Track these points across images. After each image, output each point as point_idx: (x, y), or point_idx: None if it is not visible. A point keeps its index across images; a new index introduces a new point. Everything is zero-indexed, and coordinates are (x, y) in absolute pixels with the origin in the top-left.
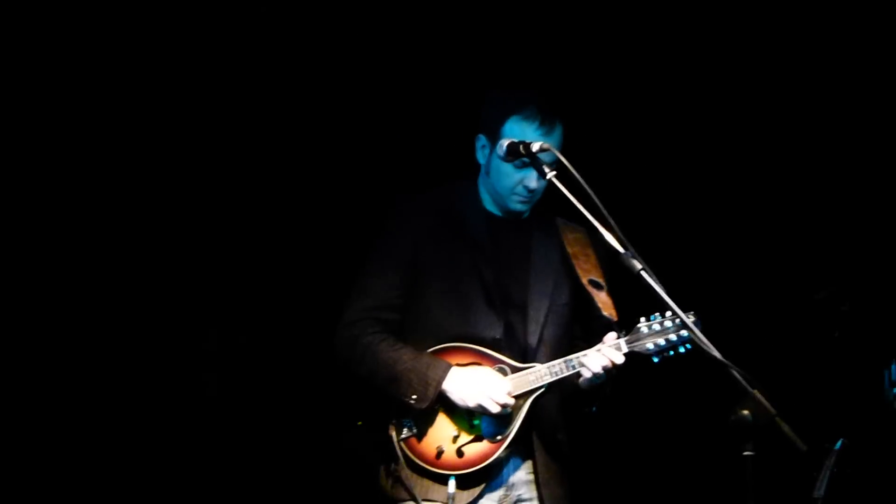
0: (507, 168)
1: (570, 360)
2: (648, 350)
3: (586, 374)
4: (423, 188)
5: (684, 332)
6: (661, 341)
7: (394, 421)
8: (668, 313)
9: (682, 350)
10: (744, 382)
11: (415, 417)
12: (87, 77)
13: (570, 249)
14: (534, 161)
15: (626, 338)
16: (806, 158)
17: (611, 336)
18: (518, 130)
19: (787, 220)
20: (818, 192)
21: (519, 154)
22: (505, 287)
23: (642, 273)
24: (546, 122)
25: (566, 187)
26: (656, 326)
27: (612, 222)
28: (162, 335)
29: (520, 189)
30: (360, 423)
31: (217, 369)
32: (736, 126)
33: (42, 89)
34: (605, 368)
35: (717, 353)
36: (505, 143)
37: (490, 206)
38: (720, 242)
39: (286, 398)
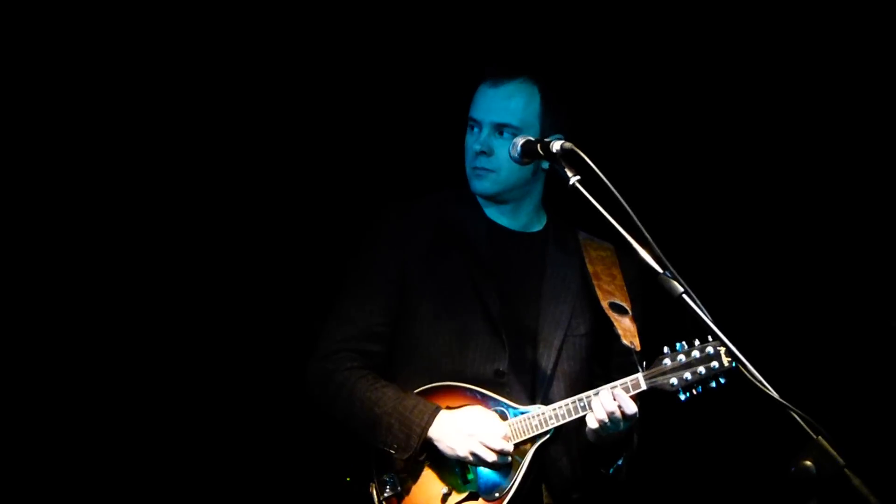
0: (466, 140)
1: (580, 399)
2: (673, 386)
3: (591, 422)
4: (417, 195)
5: (715, 364)
6: (688, 375)
7: (375, 478)
8: (697, 342)
9: (713, 385)
10: (806, 427)
11: (398, 472)
12: (87, 77)
13: (591, 268)
14: (554, 163)
15: (645, 372)
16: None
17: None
18: (476, 95)
19: (860, 237)
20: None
21: (536, 155)
22: (512, 313)
23: (684, 297)
24: (493, 75)
25: (593, 195)
26: (682, 357)
27: (649, 237)
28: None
29: (470, 159)
30: (348, 479)
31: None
32: (791, 144)
33: (42, 89)
34: (612, 417)
35: (773, 392)
36: (520, 141)
37: (495, 215)
38: (782, 261)
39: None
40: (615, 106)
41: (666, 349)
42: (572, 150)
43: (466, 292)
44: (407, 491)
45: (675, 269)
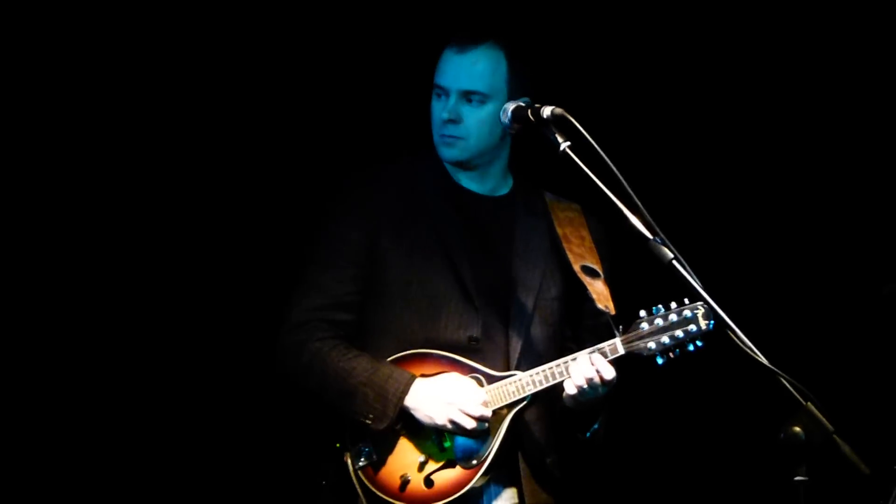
0: (432, 107)
1: (557, 365)
2: (651, 350)
3: (569, 388)
4: (382, 160)
5: (693, 327)
6: (665, 339)
7: (349, 447)
8: (674, 304)
9: (690, 348)
10: (795, 393)
11: (374, 442)
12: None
13: (560, 230)
14: (544, 128)
15: (622, 336)
16: (872, 141)
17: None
18: (441, 61)
19: (850, 202)
20: (885, 175)
21: (527, 121)
22: (484, 278)
23: (674, 263)
24: (458, 42)
25: (582, 160)
26: (659, 321)
27: (639, 203)
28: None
29: (438, 126)
30: (338, 444)
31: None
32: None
33: (42, 89)
34: (590, 383)
35: (762, 358)
36: (510, 107)
37: (463, 179)
38: (767, 225)
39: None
40: (585, 70)
41: (643, 313)
42: (563, 115)
43: (437, 259)
44: (383, 460)
45: (664, 235)
